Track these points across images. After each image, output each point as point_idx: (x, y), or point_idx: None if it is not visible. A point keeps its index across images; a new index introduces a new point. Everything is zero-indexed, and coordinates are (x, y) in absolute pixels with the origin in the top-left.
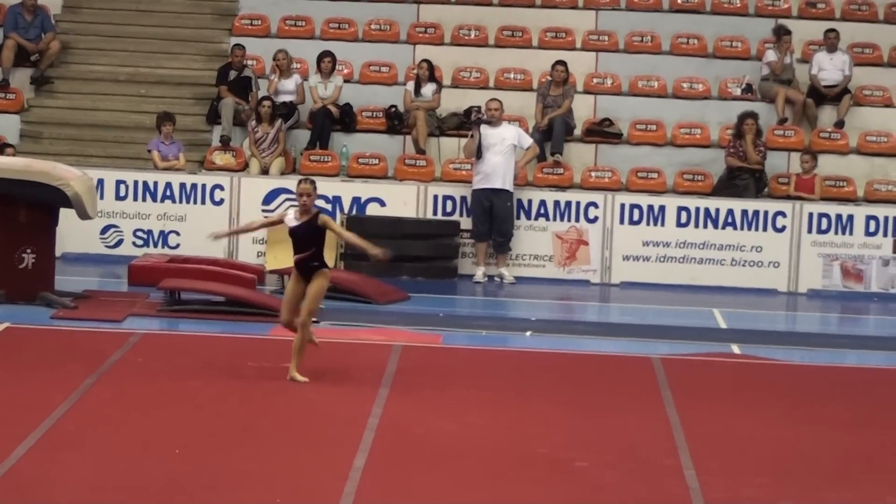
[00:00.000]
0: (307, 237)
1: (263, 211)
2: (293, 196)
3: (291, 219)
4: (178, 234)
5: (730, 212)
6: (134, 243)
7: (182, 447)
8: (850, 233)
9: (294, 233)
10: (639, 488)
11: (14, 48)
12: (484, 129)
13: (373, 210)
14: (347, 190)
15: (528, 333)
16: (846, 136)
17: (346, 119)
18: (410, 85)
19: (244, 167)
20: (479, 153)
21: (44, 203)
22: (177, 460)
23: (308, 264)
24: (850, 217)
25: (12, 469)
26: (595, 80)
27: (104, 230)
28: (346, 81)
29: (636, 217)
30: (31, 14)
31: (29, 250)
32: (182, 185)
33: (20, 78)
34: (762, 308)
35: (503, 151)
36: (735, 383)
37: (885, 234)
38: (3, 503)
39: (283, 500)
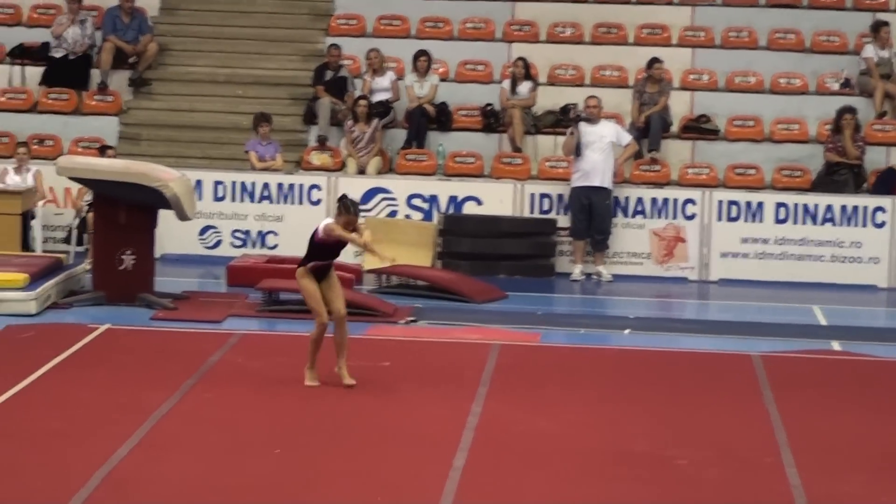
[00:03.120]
0: (339, 247)
1: (361, 210)
2: (390, 196)
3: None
4: (275, 234)
5: (829, 207)
6: (232, 244)
7: (282, 446)
8: None
9: (329, 243)
10: (739, 486)
11: (112, 51)
12: (583, 126)
13: (469, 209)
14: (444, 189)
15: (626, 331)
16: None
17: (442, 118)
18: (506, 83)
19: (341, 167)
20: (578, 151)
21: (143, 205)
22: (277, 459)
23: (328, 266)
24: None
25: (115, 469)
26: (692, 77)
27: (203, 231)
28: (442, 80)
29: (734, 213)
30: (128, 16)
31: (129, 252)
32: (279, 186)
33: (118, 80)
34: (862, 304)
35: (602, 149)
36: (835, 380)
37: None
38: (106, 503)
39: (383, 499)
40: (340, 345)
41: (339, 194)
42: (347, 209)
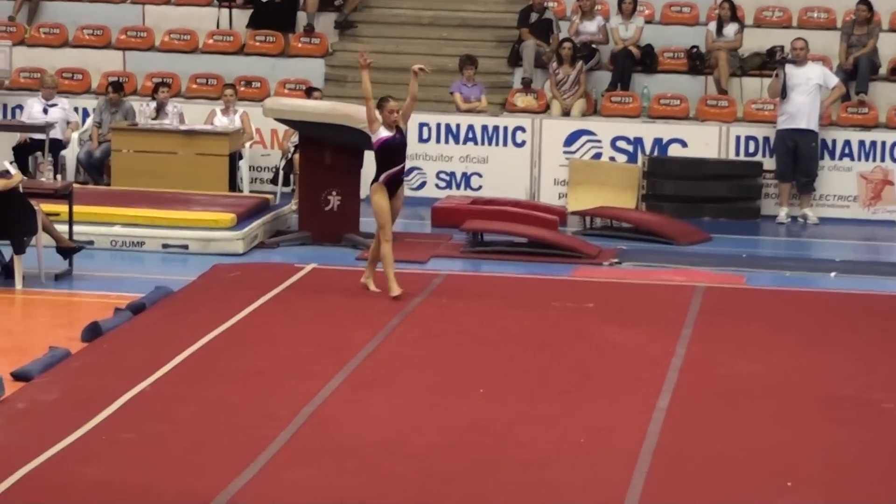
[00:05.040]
0: (403, 147)
1: (565, 153)
2: (595, 138)
3: (384, 131)
4: (480, 175)
5: None
6: (437, 185)
7: (485, 386)
8: None
9: (388, 144)
10: None
11: None
12: (789, 68)
13: (674, 151)
14: (649, 131)
15: (832, 274)
16: None
17: (647, 60)
18: (712, 25)
19: (545, 109)
20: (783, 93)
21: (349, 146)
22: (480, 399)
23: (399, 177)
24: None
25: (320, 407)
26: None
27: (407, 172)
28: (647, 22)
29: None
30: None
31: (334, 193)
32: (484, 128)
33: (325, 22)
34: None
35: (808, 91)
36: None
37: None
38: (311, 440)
39: (586, 439)
40: (375, 259)
41: (542, 136)
42: (384, 100)
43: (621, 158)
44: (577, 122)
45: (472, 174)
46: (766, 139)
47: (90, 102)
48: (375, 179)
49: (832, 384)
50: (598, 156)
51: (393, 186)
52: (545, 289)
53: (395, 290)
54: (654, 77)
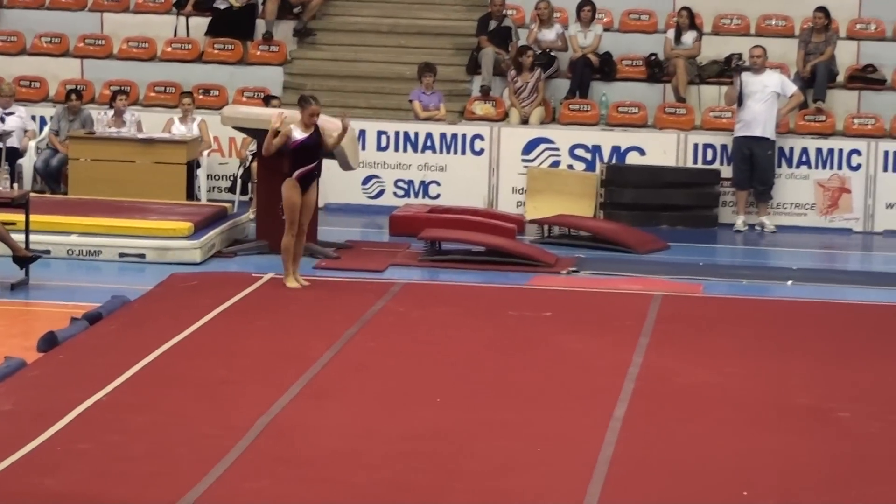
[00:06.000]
0: (316, 148)
1: (523, 161)
2: (553, 146)
3: (299, 132)
4: (438, 184)
5: None
6: (395, 193)
7: (443, 396)
8: None
9: (305, 145)
10: None
11: (278, 1)
12: (746, 76)
13: (632, 159)
14: (607, 139)
15: (789, 283)
16: None
17: (605, 68)
18: (671, 33)
19: (504, 117)
20: (740, 101)
21: None
22: (438, 409)
23: (312, 175)
24: None
25: (277, 417)
26: (858, 26)
27: (366, 181)
28: (605, 30)
29: None
30: None
31: None
32: (443, 136)
33: (283, 30)
34: None
35: (765, 99)
36: None
37: None
38: (268, 450)
39: (543, 448)
40: (297, 256)
41: (501, 144)
42: (307, 101)
43: (579, 166)
44: (536, 130)
45: (431, 182)
46: (724, 147)
47: (48, 111)
48: (288, 175)
49: (788, 393)
50: (556, 164)
51: (305, 183)
52: (503, 297)
53: (292, 283)
54: (612, 85)
